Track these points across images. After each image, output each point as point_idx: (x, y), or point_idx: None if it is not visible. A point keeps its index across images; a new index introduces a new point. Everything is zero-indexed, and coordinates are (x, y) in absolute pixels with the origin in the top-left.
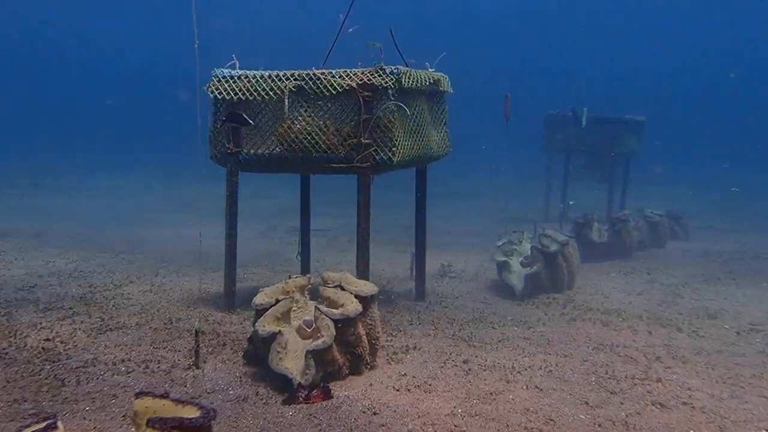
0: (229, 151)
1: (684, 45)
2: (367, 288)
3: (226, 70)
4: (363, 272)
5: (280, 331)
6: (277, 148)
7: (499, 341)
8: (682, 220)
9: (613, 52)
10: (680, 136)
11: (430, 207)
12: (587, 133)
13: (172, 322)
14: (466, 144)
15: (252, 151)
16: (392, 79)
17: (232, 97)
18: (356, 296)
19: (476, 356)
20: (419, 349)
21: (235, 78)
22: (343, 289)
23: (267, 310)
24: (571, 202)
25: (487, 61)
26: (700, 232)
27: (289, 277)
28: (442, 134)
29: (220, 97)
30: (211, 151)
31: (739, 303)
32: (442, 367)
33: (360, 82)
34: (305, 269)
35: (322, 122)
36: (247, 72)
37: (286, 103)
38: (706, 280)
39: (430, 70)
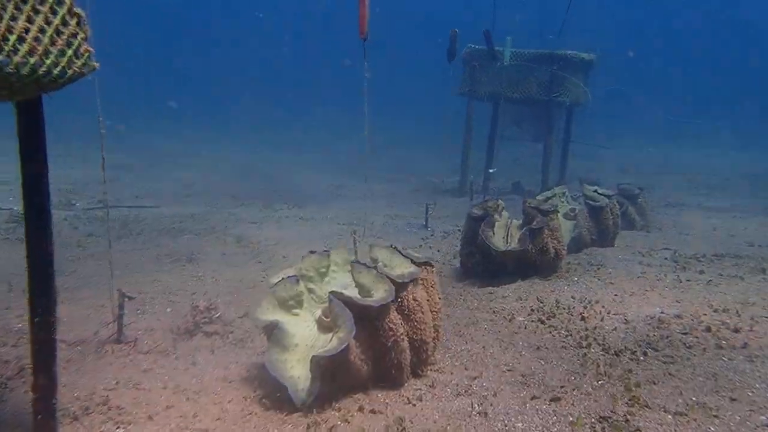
0: None
1: None
2: None
3: None
4: None
5: None
6: None
7: None
8: (640, 199)
9: None
10: (643, 79)
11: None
12: (516, 75)
13: None
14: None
15: None
16: None
17: None
18: None
19: None
20: None
21: None
22: None
23: None
24: (491, 170)
25: None
26: (665, 213)
27: None
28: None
29: None
30: None
31: None
32: None
33: None
34: None
35: None
36: None
37: None
38: (686, 346)
39: None
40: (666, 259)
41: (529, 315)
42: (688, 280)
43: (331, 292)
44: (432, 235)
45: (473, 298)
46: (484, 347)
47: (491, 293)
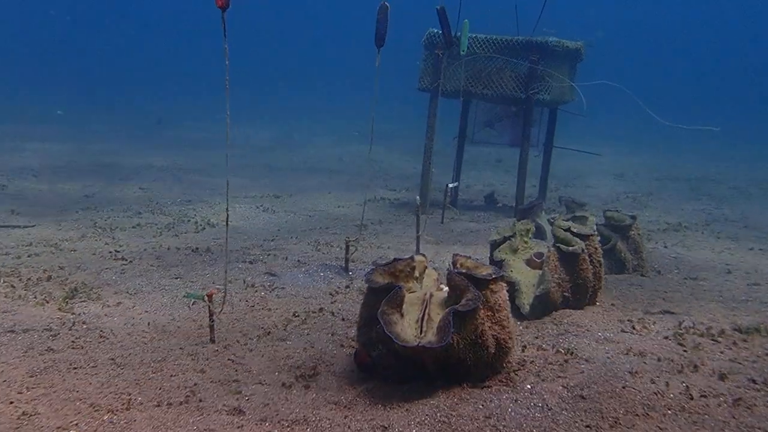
0: None
1: None
2: None
3: None
4: None
5: None
6: None
7: None
8: (632, 231)
9: None
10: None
11: None
12: (488, 66)
13: None
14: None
15: None
16: None
17: None
18: None
19: None
20: None
21: None
22: None
23: None
24: (451, 185)
25: None
26: (663, 241)
27: None
28: None
29: None
30: None
31: None
32: None
33: None
34: None
35: None
36: None
37: None
38: None
39: None
40: (667, 338)
41: None
42: (703, 396)
43: None
44: (348, 286)
45: None
46: None
47: (385, 429)
